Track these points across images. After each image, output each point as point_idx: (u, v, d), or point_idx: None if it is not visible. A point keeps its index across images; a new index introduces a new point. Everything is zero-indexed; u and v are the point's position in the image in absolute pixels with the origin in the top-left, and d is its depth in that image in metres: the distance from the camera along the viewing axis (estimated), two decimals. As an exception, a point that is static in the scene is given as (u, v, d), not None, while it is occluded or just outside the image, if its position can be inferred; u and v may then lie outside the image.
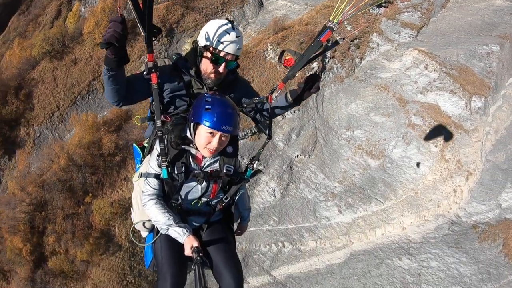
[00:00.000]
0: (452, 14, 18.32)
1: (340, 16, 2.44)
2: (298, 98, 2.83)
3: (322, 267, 16.20)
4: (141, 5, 2.11)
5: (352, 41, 16.77)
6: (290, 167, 15.79)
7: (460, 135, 15.73)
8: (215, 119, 2.31)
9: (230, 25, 2.55)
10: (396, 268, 15.70)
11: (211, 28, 2.56)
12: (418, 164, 15.53)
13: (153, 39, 2.26)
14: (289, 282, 16.67)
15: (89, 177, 14.41)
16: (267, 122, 2.99)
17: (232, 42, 2.53)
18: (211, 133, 2.37)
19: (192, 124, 2.43)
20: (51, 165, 13.92)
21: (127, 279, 15.47)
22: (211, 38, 2.54)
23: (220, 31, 2.54)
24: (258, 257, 17.20)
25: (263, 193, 16.02)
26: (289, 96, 2.86)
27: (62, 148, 13.94)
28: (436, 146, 15.54)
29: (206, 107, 2.33)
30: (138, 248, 15.43)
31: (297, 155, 15.74)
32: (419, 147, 15.59)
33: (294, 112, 16.06)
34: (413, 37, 17.23)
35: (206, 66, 2.63)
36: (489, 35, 17.55)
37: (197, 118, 2.36)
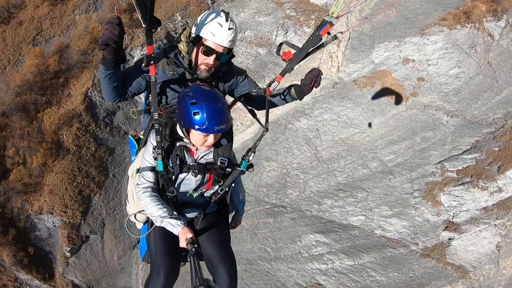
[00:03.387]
0: None
1: (340, 11, 2.76)
2: (302, 94, 3.16)
3: (238, 146, 20.08)
4: None
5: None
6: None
7: (328, 16, 20.46)
8: (206, 123, 2.44)
9: (224, 17, 2.75)
10: (298, 130, 19.55)
11: (205, 18, 2.76)
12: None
13: (153, 30, 2.52)
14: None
15: (40, 98, 19.38)
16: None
17: (224, 34, 2.73)
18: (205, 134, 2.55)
19: (183, 128, 2.63)
20: (9, 86, 19.09)
21: (77, 180, 19.68)
22: (203, 29, 2.74)
23: (213, 22, 2.73)
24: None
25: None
26: (293, 92, 3.20)
27: (17, 71, 19.27)
28: (308, 27, 20.29)
29: (194, 111, 2.44)
30: (83, 151, 19.86)
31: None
32: (295, 31, 20.37)
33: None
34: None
35: (196, 57, 2.88)
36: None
37: (187, 123, 2.53)
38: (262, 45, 20.50)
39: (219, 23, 2.70)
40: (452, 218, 17.53)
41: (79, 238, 20.02)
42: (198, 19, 2.80)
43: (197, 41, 2.80)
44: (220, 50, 2.79)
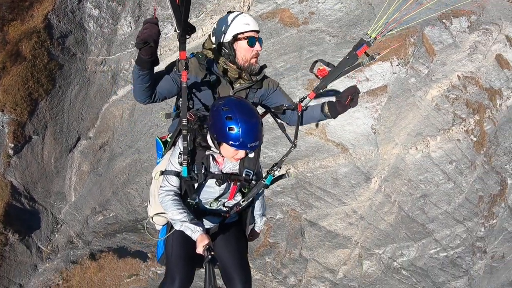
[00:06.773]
0: None
1: (378, 31, 2.77)
2: (335, 113, 3.12)
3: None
4: (177, 2, 2.39)
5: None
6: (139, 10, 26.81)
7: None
8: (241, 140, 2.46)
9: (236, 11, 2.95)
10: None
11: (228, 22, 2.90)
12: None
13: (187, 37, 2.58)
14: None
15: (7, 15, 24.80)
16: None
17: (251, 20, 2.90)
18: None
19: (216, 142, 2.62)
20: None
21: (29, 83, 24.31)
22: (235, 27, 2.86)
23: (237, 18, 2.88)
24: (124, 74, 26.45)
25: (123, 26, 26.68)
26: (326, 110, 3.16)
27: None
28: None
29: (229, 126, 2.45)
30: (37, 61, 25.08)
31: None
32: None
33: None
34: None
35: (244, 54, 2.92)
36: None
37: (221, 137, 2.53)
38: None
39: (241, 14, 2.89)
40: (330, 104, 22.35)
41: (23, 136, 23.99)
42: (223, 27, 2.90)
43: (235, 40, 2.89)
44: (257, 36, 2.93)
